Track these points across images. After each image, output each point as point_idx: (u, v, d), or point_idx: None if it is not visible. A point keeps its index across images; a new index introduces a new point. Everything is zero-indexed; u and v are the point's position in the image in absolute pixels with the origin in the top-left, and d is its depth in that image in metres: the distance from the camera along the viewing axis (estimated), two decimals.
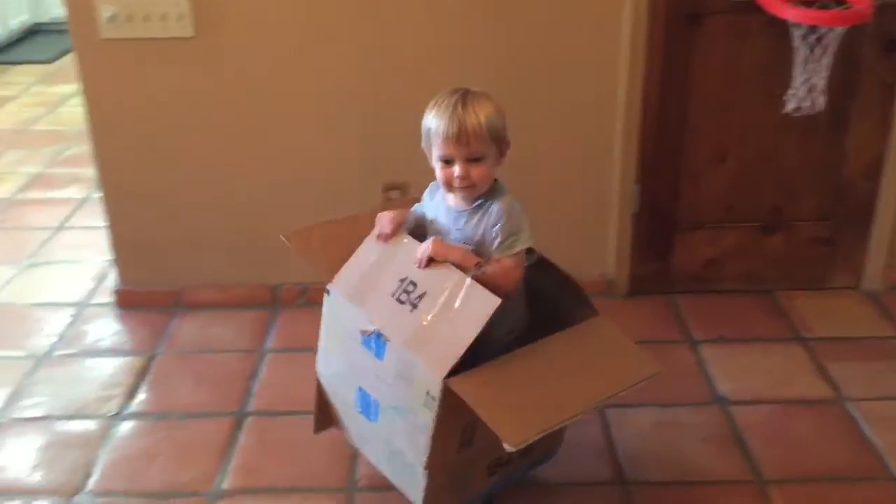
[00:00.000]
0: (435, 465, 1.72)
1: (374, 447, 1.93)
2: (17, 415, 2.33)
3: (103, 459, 2.16)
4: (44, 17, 6.45)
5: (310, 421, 2.13)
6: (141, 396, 2.40)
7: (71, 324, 2.75)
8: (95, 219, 3.42)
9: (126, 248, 2.78)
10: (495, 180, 1.80)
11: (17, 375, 2.49)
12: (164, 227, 2.73)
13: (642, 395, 2.32)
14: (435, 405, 1.63)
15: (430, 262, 1.73)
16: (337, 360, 1.93)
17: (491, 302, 1.62)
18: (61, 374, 2.51)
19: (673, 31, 2.53)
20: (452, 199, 1.81)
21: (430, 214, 1.87)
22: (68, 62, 5.77)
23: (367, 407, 1.85)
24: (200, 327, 2.71)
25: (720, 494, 2.03)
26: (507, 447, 1.51)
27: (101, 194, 2.72)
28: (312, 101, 2.59)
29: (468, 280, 1.66)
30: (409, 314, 1.71)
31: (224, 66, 2.53)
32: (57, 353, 2.60)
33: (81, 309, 2.83)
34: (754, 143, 2.67)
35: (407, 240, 1.81)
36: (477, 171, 1.72)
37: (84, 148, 4.20)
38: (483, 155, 1.71)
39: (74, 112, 4.77)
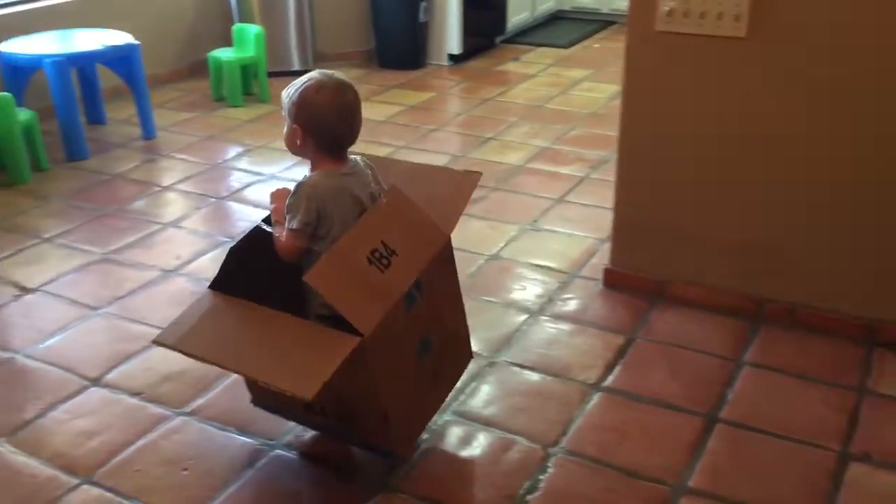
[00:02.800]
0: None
1: None
2: (508, 359, 2.58)
3: (578, 422, 2.29)
4: (566, 6, 7.00)
5: (784, 446, 2.04)
6: (616, 373, 2.50)
7: (559, 289, 2.96)
8: (591, 197, 3.66)
9: (625, 232, 2.90)
10: (319, 163, 1.99)
11: (513, 325, 2.75)
12: (666, 219, 2.79)
13: None
14: None
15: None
16: None
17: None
18: (549, 332, 2.72)
19: None
20: None
21: None
22: (581, 49, 6.21)
23: None
24: (680, 322, 2.73)
25: None
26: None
27: (615, 177, 2.86)
28: (860, 120, 2.44)
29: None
30: None
31: (773, 70, 2.48)
32: (546, 313, 2.82)
33: (570, 278, 3.03)
34: None
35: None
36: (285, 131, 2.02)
37: (587, 130, 4.52)
38: (285, 120, 1.99)
39: (582, 96, 5.11)
